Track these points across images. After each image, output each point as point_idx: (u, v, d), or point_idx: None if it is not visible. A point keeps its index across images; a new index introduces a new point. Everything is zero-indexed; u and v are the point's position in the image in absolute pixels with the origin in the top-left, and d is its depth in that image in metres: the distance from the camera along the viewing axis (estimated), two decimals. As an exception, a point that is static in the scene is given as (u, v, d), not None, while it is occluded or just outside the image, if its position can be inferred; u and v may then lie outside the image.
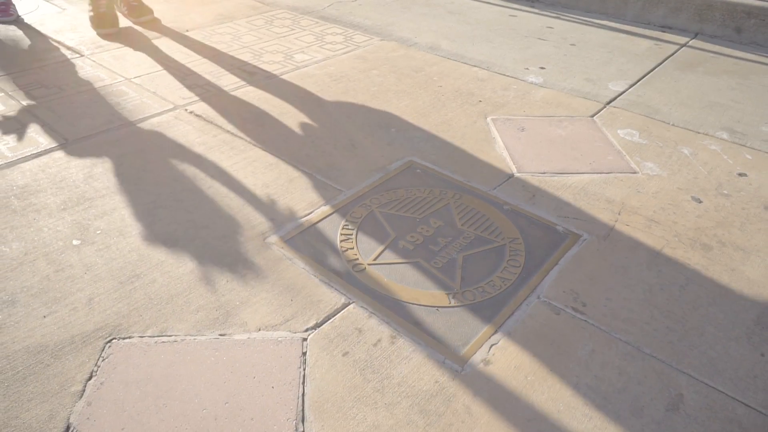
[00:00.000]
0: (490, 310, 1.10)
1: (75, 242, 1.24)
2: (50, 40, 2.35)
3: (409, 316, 1.08)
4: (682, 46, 2.53)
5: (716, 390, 0.95)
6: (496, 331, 1.05)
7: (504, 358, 1.00)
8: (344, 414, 0.90)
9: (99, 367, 0.96)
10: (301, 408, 0.90)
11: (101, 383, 0.93)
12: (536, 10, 2.98)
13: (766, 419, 0.91)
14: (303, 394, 0.92)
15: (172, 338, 1.02)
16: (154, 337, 1.02)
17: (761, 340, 1.05)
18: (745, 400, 0.94)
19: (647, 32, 2.69)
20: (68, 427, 0.86)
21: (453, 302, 1.11)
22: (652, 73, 2.23)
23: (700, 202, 1.44)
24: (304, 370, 0.97)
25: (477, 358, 1.00)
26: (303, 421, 0.88)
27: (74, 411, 0.89)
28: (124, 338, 1.01)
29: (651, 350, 1.02)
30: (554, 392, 0.94)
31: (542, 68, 2.24)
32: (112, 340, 1.01)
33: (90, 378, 0.94)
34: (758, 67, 2.31)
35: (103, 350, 0.99)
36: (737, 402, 0.93)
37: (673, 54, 2.43)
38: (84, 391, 0.92)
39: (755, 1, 2.56)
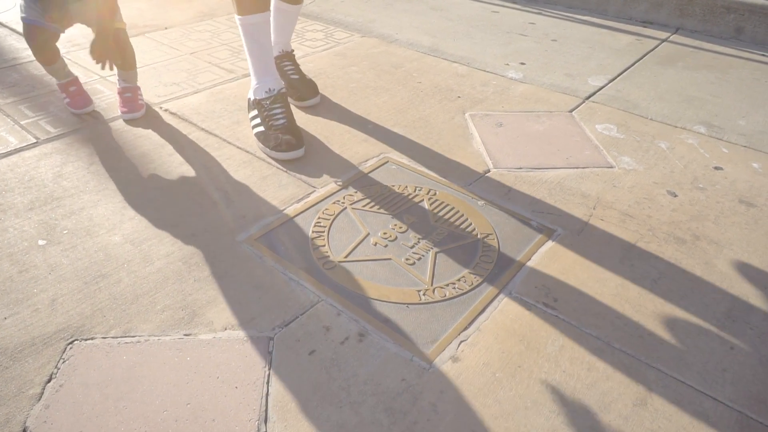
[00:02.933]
0: (461, 307, 1.09)
1: (41, 242, 1.21)
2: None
3: (378, 313, 1.07)
4: (663, 41, 2.53)
5: (684, 384, 0.95)
6: (465, 328, 1.04)
7: (472, 355, 0.99)
8: (308, 413, 0.88)
9: (59, 369, 0.94)
10: (264, 408, 0.89)
11: (60, 386, 0.91)
12: (519, 6, 2.97)
13: (734, 412, 0.90)
14: (267, 394, 0.91)
15: (136, 339, 1.00)
16: (117, 338, 1.00)
17: (731, 333, 1.05)
18: (713, 394, 0.93)
19: (629, 27, 2.70)
20: (24, 431, 0.84)
21: (423, 299, 1.10)
22: (632, 68, 2.23)
23: (676, 195, 1.44)
24: (269, 369, 0.95)
25: (445, 355, 0.99)
26: (266, 422, 0.87)
27: (31, 414, 0.87)
28: (86, 339, 0.99)
29: (620, 345, 1.02)
30: (522, 389, 0.93)
31: (522, 64, 2.24)
32: (74, 341, 0.99)
33: (49, 380, 0.92)
34: (737, 62, 2.32)
35: (64, 352, 0.97)
36: (705, 396, 0.93)
37: (653, 49, 2.43)
38: (42, 393, 0.90)
39: (735, -4, 2.57)
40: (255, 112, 1.62)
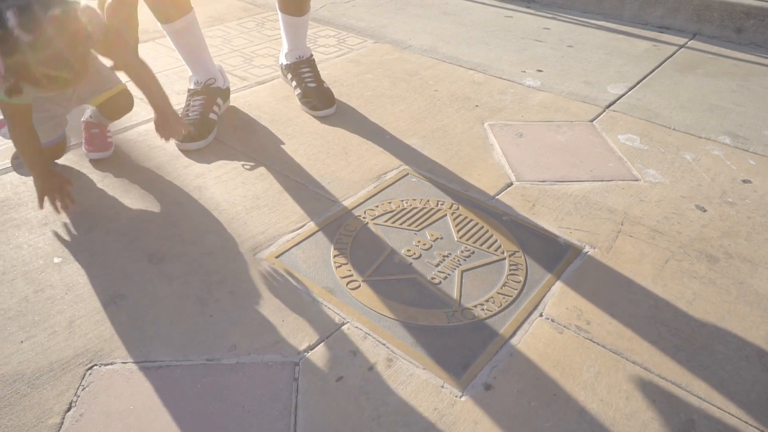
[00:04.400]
0: (491, 330, 1.05)
1: (56, 260, 1.18)
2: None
3: (407, 336, 1.03)
4: (681, 47, 2.49)
5: (728, 413, 0.91)
6: (497, 352, 1.01)
7: (506, 382, 0.95)
8: (338, 446, 0.85)
9: (79, 396, 0.91)
10: (292, 440, 0.85)
11: (81, 415, 0.88)
12: (532, 11, 2.93)
13: (782, 446, 0.86)
14: (295, 424, 0.87)
15: (157, 364, 0.96)
16: (137, 363, 0.97)
17: (773, 359, 1.01)
18: (758, 425, 0.89)
19: (645, 33, 2.66)
20: (44, 465, 0.81)
21: (452, 321, 1.07)
22: (651, 75, 2.19)
23: (705, 210, 1.40)
24: (296, 397, 0.92)
25: (478, 381, 0.95)
26: (295, 455, 0.83)
27: (51, 446, 0.83)
28: (105, 364, 0.96)
29: (659, 371, 0.98)
30: (559, 419, 0.90)
31: (539, 71, 2.20)
32: (93, 366, 0.96)
33: (69, 409, 0.89)
34: (758, 69, 2.28)
35: (83, 378, 0.94)
36: (750, 427, 0.89)
37: (671, 55, 2.39)
38: (62, 423, 0.87)
39: (754, 2, 2.52)
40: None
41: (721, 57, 2.39)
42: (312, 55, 1.88)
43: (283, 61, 1.92)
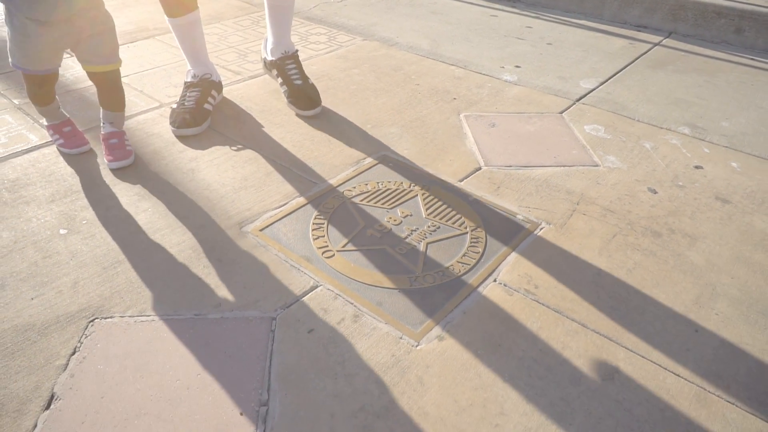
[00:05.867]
0: (448, 292, 1.18)
1: (62, 231, 1.31)
2: (42, 41, 2.42)
3: (372, 297, 1.16)
4: (655, 45, 2.62)
5: (650, 362, 1.04)
6: (452, 311, 1.13)
7: (457, 335, 1.08)
8: (306, 384, 0.98)
9: (82, 343, 1.04)
10: (267, 379, 0.98)
11: (84, 358, 1.01)
12: (517, 10, 3.06)
13: (693, 387, 0.99)
14: (269, 367, 1.01)
15: (151, 318, 1.10)
16: (134, 317, 1.10)
17: (697, 317, 1.14)
18: (675, 371, 1.02)
19: (623, 31, 2.78)
20: (52, 396, 0.94)
21: (414, 285, 1.20)
22: (623, 71, 2.32)
23: (656, 192, 1.53)
24: (272, 345, 1.05)
25: (432, 334, 1.08)
26: (268, 390, 0.96)
27: (58, 382, 0.97)
28: (106, 318, 1.09)
29: (594, 327, 1.11)
30: (501, 364, 1.02)
31: (518, 67, 2.33)
32: (94, 319, 1.09)
33: (73, 353, 1.02)
34: (726, 65, 2.40)
35: (86, 329, 1.07)
36: (668, 372, 1.02)
37: (645, 53, 2.52)
38: (68, 364, 1.00)
39: (725, 2, 2.65)
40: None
41: (692, 54, 2.51)
42: (297, 51, 1.94)
43: (267, 56, 1.96)
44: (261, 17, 2.84)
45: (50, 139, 1.63)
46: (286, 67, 1.90)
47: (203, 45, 1.84)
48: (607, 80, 2.22)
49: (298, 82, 1.88)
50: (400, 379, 0.99)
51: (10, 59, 1.41)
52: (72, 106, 1.87)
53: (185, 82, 1.84)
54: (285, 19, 1.87)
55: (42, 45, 1.38)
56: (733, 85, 2.21)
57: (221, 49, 2.40)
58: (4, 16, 1.36)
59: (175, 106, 1.79)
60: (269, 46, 1.94)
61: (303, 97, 1.85)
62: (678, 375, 1.01)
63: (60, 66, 1.51)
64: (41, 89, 1.53)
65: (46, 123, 1.62)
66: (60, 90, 1.98)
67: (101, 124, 1.61)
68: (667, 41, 2.67)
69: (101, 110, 1.60)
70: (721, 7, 2.64)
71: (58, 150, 1.61)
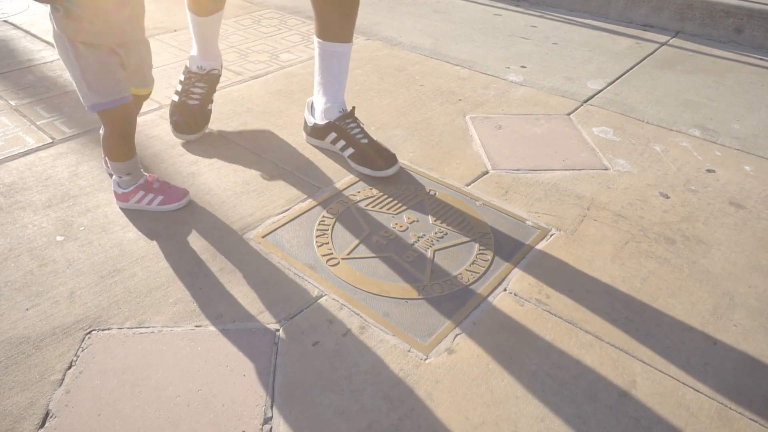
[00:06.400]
0: (457, 302, 1.14)
1: (58, 238, 1.28)
2: (39, 41, 2.38)
3: (379, 307, 1.13)
4: (662, 44, 2.58)
5: (668, 376, 1.00)
6: (461, 322, 1.10)
7: (467, 348, 1.04)
8: (312, 400, 0.94)
9: (78, 357, 1.00)
10: (271, 395, 0.95)
11: (80, 372, 0.97)
12: (521, 10, 3.02)
13: (713, 403, 0.95)
14: (273, 382, 0.97)
15: (150, 329, 1.06)
16: (132, 328, 1.06)
17: (715, 329, 1.10)
18: (694, 386, 0.98)
19: (629, 31, 2.74)
20: (47, 413, 0.91)
21: (422, 294, 1.16)
22: (630, 71, 2.28)
23: (668, 197, 1.49)
24: (276, 359, 1.01)
25: (441, 347, 1.04)
26: (272, 407, 0.93)
27: (53, 398, 0.93)
28: (103, 330, 1.06)
29: (609, 339, 1.07)
30: (513, 379, 0.99)
31: (523, 67, 2.29)
32: (91, 331, 1.05)
33: (69, 367, 0.98)
34: (735, 65, 2.36)
35: (82, 341, 1.03)
36: (687, 387, 0.98)
37: (652, 53, 2.48)
38: (63, 379, 0.96)
39: (733, 1, 2.61)
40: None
41: (700, 54, 2.47)
42: (354, 108, 1.63)
43: (318, 119, 1.62)
44: (262, 16, 2.80)
45: (137, 204, 1.35)
46: (348, 126, 1.59)
47: (217, 36, 1.71)
48: (614, 81, 2.18)
49: (365, 140, 1.57)
50: (409, 396, 0.95)
51: (90, 101, 1.20)
52: (69, 108, 1.83)
53: (190, 72, 1.70)
54: (342, 69, 1.58)
55: (117, 66, 1.21)
56: (742, 86, 2.17)
57: (222, 49, 2.36)
58: (68, 54, 1.15)
59: (176, 98, 1.70)
60: (321, 106, 1.62)
61: (377, 155, 1.53)
62: (697, 390, 0.98)
63: None
64: (128, 131, 1.29)
65: (125, 189, 1.34)
66: (58, 91, 1.95)
67: (116, 180, 1.38)
68: (674, 41, 2.63)
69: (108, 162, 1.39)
70: (730, 6, 2.60)
71: (155, 209, 1.36)
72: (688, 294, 1.18)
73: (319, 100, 1.62)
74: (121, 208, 1.37)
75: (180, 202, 1.37)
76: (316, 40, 1.54)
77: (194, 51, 1.71)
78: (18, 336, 1.04)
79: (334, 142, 1.60)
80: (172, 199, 1.36)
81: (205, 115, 1.70)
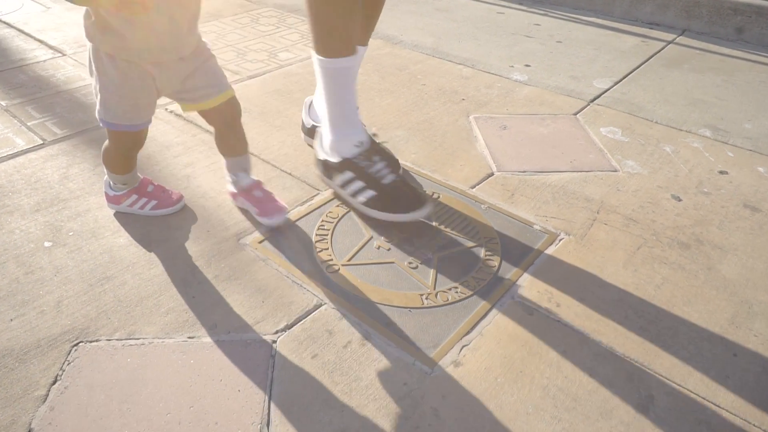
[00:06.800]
0: (463, 311, 1.09)
1: (47, 244, 1.22)
2: (32, 39, 2.33)
3: (381, 317, 1.07)
4: (669, 42, 2.52)
5: (687, 390, 0.95)
6: (468, 332, 1.04)
7: (474, 360, 0.99)
8: (311, 418, 0.89)
9: (64, 371, 0.95)
10: (267, 412, 0.89)
11: (65, 387, 0.92)
12: (524, 8, 2.96)
13: (736, 419, 0.90)
14: (270, 398, 0.91)
15: (140, 341, 1.01)
16: (121, 340, 1.01)
17: (735, 339, 1.05)
18: (715, 401, 0.93)
19: (635, 29, 2.69)
20: (29, 433, 0.85)
21: (426, 303, 1.10)
22: (637, 70, 2.23)
23: (680, 200, 1.44)
24: (272, 372, 0.96)
25: (447, 359, 0.99)
26: (268, 425, 0.87)
27: (36, 416, 0.88)
28: (91, 341, 1.00)
29: (623, 351, 1.02)
30: (524, 394, 0.93)
31: (527, 66, 2.23)
32: (78, 343, 1.00)
33: (54, 382, 0.93)
34: (744, 64, 2.31)
35: (69, 354, 0.98)
36: (708, 402, 0.93)
37: (659, 51, 2.42)
38: (48, 395, 0.91)
39: (742, -2, 2.55)
40: (349, 176, 1.28)
41: (707, 53, 2.42)
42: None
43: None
44: (260, 15, 2.74)
45: (129, 208, 1.29)
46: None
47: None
48: (621, 80, 2.13)
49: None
50: (414, 412, 0.90)
51: (100, 115, 1.11)
52: (62, 108, 1.78)
53: (346, 160, 1.31)
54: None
55: (144, 90, 1.08)
56: (752, 85, 2.11)
57: (219, 48, 2.31)
58: (91, 63, 1.06)
59: (368, 193, 1.28)
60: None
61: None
62: (718, 405, 0.92)
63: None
64: (133, 151, 1.23)
65: (117, 192, 1.28)
66: (50, 91, 1.89)
67: (229, 179, 1.32)
68: (681, 39, 2.57)
69: (225, 159, 1.30)
70: (737, 3, 2.54)
71: (147, 214, 1.29)
72: (704, 302, 1.13)
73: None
74: (112, 212, 1.31)
75: (174, 207, 1.31)
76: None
77: (331, 136, 1.32)
78: (1, 348, 0.98)
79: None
80: (166, 203, 1.30)
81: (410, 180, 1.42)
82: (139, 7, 0.89)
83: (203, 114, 1.23)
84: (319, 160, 1.39)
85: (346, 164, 1.31)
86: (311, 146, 1.53)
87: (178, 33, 1.04)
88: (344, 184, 1.30)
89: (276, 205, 1.28)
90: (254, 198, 1.28)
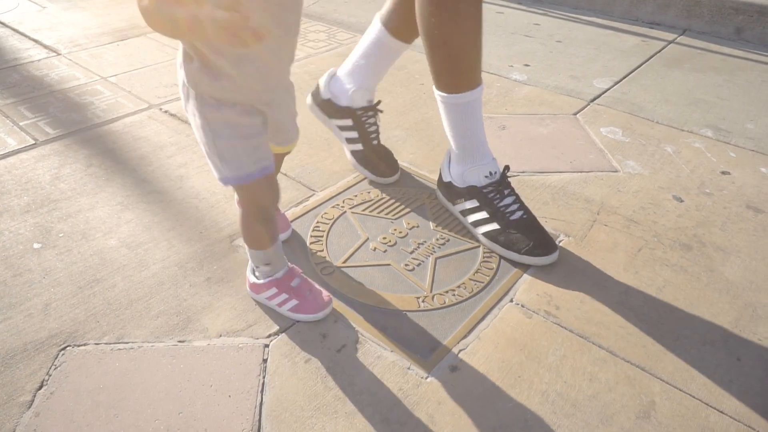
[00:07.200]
0: (460, 315, 1.06)
1: (36, 246, 1.20)
2: (27, 39, 2.31)
3: (377, 320, 1.05)
4: (670, 42, 2.50)
5: (690, 396, 0.92)
6: (464, 336, 1.02)
7: (472, 365, 0.96)
8: (302, 424, 0.86)
9: (50, 375, 0.92)
10: (257, 418, 0.87)
11: (51, 393, 0.90)
12: (524, 7, 2.94)
13: (740, 426, 0.87)
14: (261, 403, 0.89)
15: (129, 345, 0.98)
16: (110, 344, 0.98)
17: (738, 343, 1.02)
18: (718, 407, 0.90)
19: (635, 29, 2.66)
20: (13, 440, 0.83)
21: (422, 306, 1.08)
22: (638, 70, 2.20)
23: (682, 201, 1.41)
24: (264, 377, 0.93)
25: (444, 364, 0.96)
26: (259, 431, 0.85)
27: (21, 422, 0.85)
28: (79, 345, 0.98)
29: (624, 355, 0.99)
30: (522, 400, 0.91)
31: (527, 65, 2.21)
32: (66, 347, 0.97)
33: (40, 387, 0.90)
34: (745, 64, 2.28)
35: (56, 358, 0.95)
36: (711, 408, 0.90)
37: (660, 51, 2.40)
38: (33, 401, 0.88)
39: (743, -3, 2.53)
40: (474, 203, 1.25)
41: (709, 52, 2.40)
42: (380, 102, 1.47)
43: (338, 98, 1.43)
44: (258, 14, 2.72)
45: (268, 301, 1.06)
46: (367, 122, 1.43)
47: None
48: (621, 79, 2.11)
49: (375, 142, 1.46)
50: (409, 418, 0.87)
51: (222, 174, 0.89)
52: (55, 108, 1.75)
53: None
54: (387, 65, 1.42)
55: (262, 127, 0.90)
56: (754, 85, 2.09)
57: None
58: (195, 114, 0.85)
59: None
60: (349, 86, 1.41)
61: (384, 159, 1.44)
62: (722, 412, 0.90)
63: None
64: (270, 208, 0.99)
65: (259, 279, 1.05)
66: (43, 90, 1.87)
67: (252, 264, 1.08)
68: (682, 38, 2.55)
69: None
70: (738, 3, 2.52)
71: (285, 314, 1.05)
72: (707, 305, 1.10)
73: (351, 79, 1.40)
74: (104, 213, 1.29)
75: (316, 315, 1.04)
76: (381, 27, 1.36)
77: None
78: (-14, 353, 0.96)
79: (343, 128, 1.43)
80: (307, 308, 1.04)
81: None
82: (252, 38, 0.69)
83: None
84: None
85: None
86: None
87: (282, 64, 0.88)
88: (470, 212, 1.26)
89: (318, 297, 1.06)
90: (292, 290, 1.05)
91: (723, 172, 1.54)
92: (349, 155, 1.48)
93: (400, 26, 1.32)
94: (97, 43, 2.29)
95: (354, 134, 1.43)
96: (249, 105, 0.86)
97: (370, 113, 1.43)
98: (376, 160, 1.43)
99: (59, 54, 2.18)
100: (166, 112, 1.76)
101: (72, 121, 1.68)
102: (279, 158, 1.04)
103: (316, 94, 1.49)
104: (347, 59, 1.44)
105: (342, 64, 1.46)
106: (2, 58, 2.11)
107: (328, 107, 1.45)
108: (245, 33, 0.68)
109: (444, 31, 1.10)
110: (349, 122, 1.43)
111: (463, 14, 1.09)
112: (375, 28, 1.37)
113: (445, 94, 1.19)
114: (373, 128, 1.44)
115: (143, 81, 1.96)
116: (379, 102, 1.45)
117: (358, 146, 1.44)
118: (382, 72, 1.42)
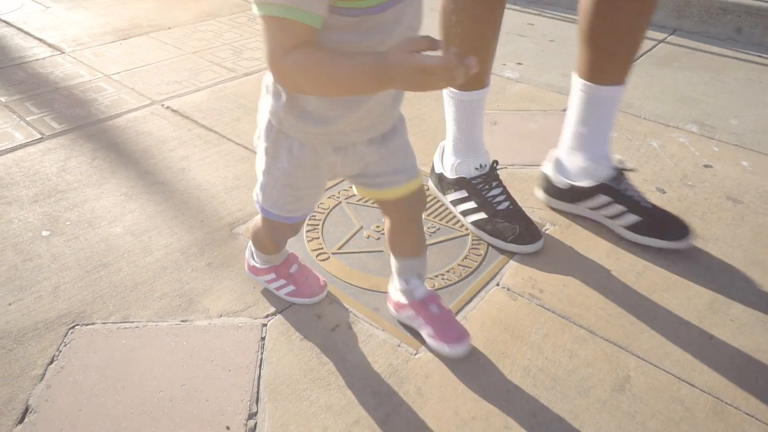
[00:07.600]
0: (449, 297, 1.12)
1: (44, 233, 1.26)
2: (32, 38, 2.37)
3: (370, 302, 1.10)
4: (660, 41, 2.56)
5: (663, 371, 0.98)
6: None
7: (458, 342, 1.02)
8: (298, 395, 0.92)
9: (60, 352, 0.98)
10: (256, 390, 0.92)
11: (62, 367, 0.95)
12: (518, 8, 3.00)
13: (709, 398, 0.93)
14: (259, 377, 0.95)
15: (134, 324, 1.04)
16: (116, 323, 1.04)
17: (711, 324, 1.08)
18: (690, 381, 0.96)
19: (626, 29, 2.72)
20: (27, 409, 0.88)
21: (413, 289, 1.13)
22: (627, 68, 2.26)
23: (664, 192, 1.47)
24: (262, 354, 0.99)
25: (432, 342, 1.02)
26: (257, 402, 0.90)
27: (33, 393, 0.91)
28: (86, 324, 1.04)
29: (603, 334, 1.05)
30: (505, 374, 0.96)
31: (519, 64, 2.27)
32: (75, 326, 1.03)
33: (51, 362, 0.96)
34: (733, 62, 2.34)
35: (65, 336, 1.01)
36: (683, 382, 0.96)
37: (650, 50, 2.46)
38: (44, 374, 0.94)
39: (731, -2, 2.59)
40: (463, 194, 1.30)
41: (697, 51, 2.46)
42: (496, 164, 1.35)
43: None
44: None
45: (266, 284, 1.11)
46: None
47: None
48: (611, 77, 2.16)
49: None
50: (398, 390, 0.93)
51: (257, 198, 0.92)
52: (60, 104, 1.81)
53: (463, 179, 1.31)
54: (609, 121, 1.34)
55: (315, 181, 0.89)
56: (740, 83, 2.15)
57: (216, 46, 2.35)
58: (265, 143, 0.85)
59: (476, 216, 1.28)
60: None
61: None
62: (693, 385, 0.95)
63: None
64: (284, 241, 1.06)
65: (258, 264, 1.10)
66: (49, 87, 1.93)
67: (397, 285, 1.04)
68: (672, 38, 2.61)
69: (396, 259, 1.01)
70: (727, 3, 2.58)
71: (283, 297, 1.10)
72: (684, 289, 1.16)
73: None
74: (109, 203, 1.35)
75: (312, 299, 1.09)
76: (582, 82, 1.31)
77: (459, 151, 1.32)
78: (0, 331, 1.02)
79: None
80: (304, 292, 1.09)
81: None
82: (466, 73, 0.59)
83: (380, 204, 0.98)
84: (435, 172, 1.39)
85: (462, 183, 1.31)
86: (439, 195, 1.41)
87: (386, 103, 0.82)
88: (459, 201, 1.31)
89: (458, 328, 1.00)
90: (430, 316, 1.00)
91: (705, 166, 1.60)
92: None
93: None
94: (100, 42, 2.35)
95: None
96: (319, 153, 0.83)
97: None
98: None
99: (63, 52, 2.24)
100: (168, 108, 1.82)
101: (77, 117, 1.74)
102: (405, 202, 0.93)
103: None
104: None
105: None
106: (8, 56, 2.17)
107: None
108: (460, 70, 0.58)
109: (462, 31, 1.17)
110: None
111: (484, 20, 1.17)
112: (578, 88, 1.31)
113: (454, 91, 1.26)
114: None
115: (145, 78, 2.02)
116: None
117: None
118: (604, 131, 1.37)
